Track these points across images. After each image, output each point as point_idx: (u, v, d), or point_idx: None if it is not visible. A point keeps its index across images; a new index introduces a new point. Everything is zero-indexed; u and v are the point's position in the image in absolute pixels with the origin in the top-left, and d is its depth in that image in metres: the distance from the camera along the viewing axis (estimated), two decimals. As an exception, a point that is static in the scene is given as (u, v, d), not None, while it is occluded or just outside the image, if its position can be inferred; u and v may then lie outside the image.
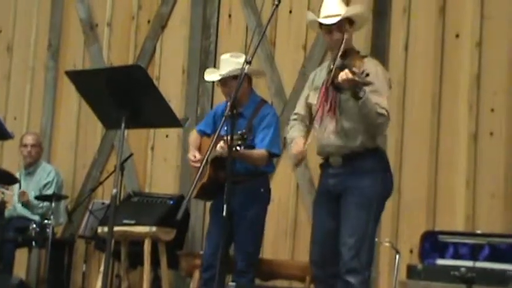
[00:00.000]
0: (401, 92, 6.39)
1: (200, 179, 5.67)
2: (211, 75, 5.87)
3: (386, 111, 4.59)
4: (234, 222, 5.45)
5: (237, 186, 4.99)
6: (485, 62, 6.15)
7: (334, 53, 4.72)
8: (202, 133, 5.87)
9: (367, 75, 4.43)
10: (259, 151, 5.52)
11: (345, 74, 4.40)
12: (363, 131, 4.67)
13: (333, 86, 4.60)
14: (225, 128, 4.48)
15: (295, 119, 5.03)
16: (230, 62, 5.69)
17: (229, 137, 4.38)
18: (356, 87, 4.43)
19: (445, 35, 6.34)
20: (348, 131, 4.68)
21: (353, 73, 4.38)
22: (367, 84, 4.42)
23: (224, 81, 5.69)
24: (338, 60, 4.57)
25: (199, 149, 5.79)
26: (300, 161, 4.77)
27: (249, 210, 5.54)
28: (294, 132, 4.93)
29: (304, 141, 4.70)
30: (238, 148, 4.48)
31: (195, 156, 5.70)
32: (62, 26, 8.53)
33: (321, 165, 4.93)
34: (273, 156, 5.68)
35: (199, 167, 5.40)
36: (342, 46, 4.61)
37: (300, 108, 5.04)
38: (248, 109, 5.62)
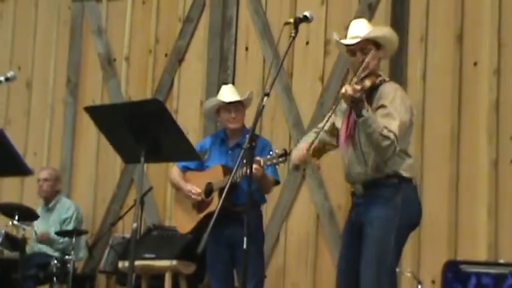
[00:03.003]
0: (419, 121, 6.36)
1: (205, 210, 5.71)
2: (228, 96, 5.87)
3: (395, 135, 4.37)
4: (236, 252, 5.52)
5: (238, 217, 5.11)
6: (504, 89, 6.13)
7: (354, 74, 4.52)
8: (186, 168, 5.91)
9: (365, 90, 4.32)
10: (271, 176, 5.67)
11: (343, 89, 4.31)
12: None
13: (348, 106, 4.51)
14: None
15: (315, 131, 4.79)
16: (233, 90, 5.90)
17: (262, 160, 4.89)
18: (356, 103, 4.31)
19: (463, 63, 6.33)
20: (365, 156, 4.52)
21: (354, 89, 4.26)
22: (363, 89, 4.29)
23: (235, 104, 5.80)
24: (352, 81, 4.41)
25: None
26: (297, 165, 4.61)
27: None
28: (304, 137, 4.82)
29: (308, 146, 4.53)
30: (282, 165, 5.27)
31: (195, 190, 5.74)
32: (80, 62, 8.58)
33: (351, 193, 4.78)
34: (275, 184, 5.80)
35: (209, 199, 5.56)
36: (362, 67, 4.41)
37: (326, 124, 4.77)
38: (245, 139, 5.66)
